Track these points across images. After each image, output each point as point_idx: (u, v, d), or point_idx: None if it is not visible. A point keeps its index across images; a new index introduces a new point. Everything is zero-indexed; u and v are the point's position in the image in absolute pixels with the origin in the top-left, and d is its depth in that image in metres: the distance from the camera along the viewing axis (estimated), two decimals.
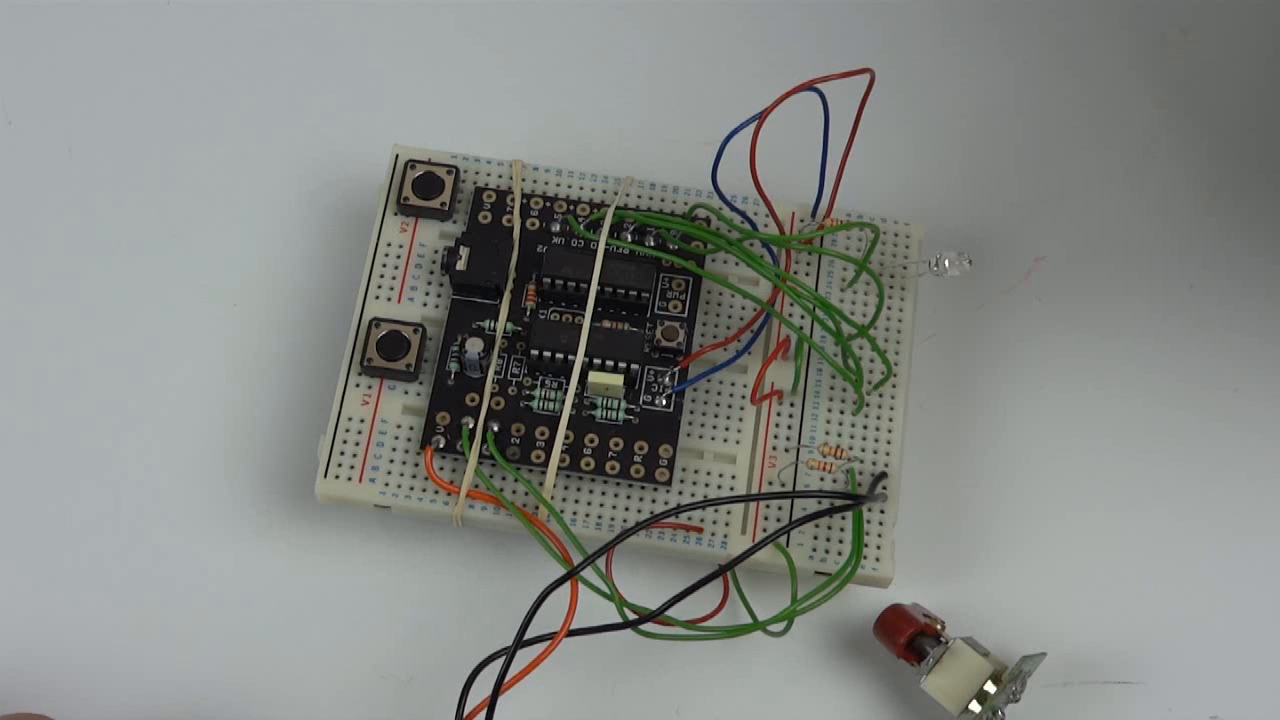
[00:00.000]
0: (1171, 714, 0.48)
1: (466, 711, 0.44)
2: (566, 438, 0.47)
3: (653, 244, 0.50)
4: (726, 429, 0.48)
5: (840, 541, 0.47)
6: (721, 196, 0.48)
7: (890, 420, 0.49)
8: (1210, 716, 0.48)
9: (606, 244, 0.49)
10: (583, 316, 0.48)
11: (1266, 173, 0.55)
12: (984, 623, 0.49)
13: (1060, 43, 0.57)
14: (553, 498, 0.47)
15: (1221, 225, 0.54)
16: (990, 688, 0.46)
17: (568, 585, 0.44)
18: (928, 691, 0.46)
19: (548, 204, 0.50)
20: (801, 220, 0.51)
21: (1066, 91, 0.56)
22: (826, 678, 0.48)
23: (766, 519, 0.47)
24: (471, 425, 0.47)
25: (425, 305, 0.49)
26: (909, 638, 0.47)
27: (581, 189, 0.51)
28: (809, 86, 0.45)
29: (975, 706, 0.46)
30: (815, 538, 0.47)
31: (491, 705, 0.44)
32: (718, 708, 0.48)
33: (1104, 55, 0.57)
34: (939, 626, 0.47)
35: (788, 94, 0.44)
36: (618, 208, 0.50)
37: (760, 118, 0.44)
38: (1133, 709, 0.48)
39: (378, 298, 0.49)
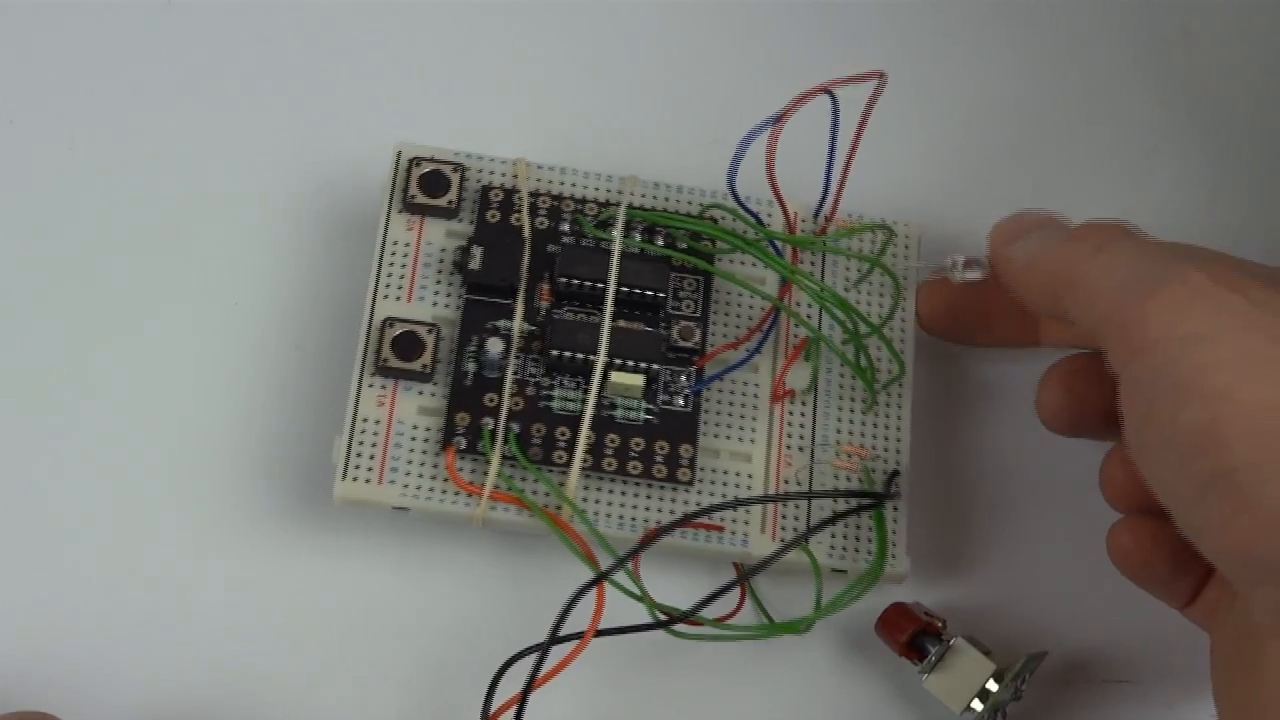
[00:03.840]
0: (1172, 713, 0.49)
1: (492, 710, 0.44)
2: (588, 438, 0.48)
3: (662, 243, 0.50)
4: (741, 428, 0.49)
5: (856, 539, 0.48)
6: (737, 199, 0.48)
7: (899, 419, 0.49)
8: (1211, 716, 0.49)
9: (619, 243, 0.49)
10: (597, 315, 0.48)
11: (1268, 173, 0.56)
12: (985, 621, 0.49)
13: (1063, 44, 0.57)
14: (574, 498, 0.47)
15: (1223, 225, 0.55)
16: (992, 685, 0.46)
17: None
18: (929, 690, 0.47)
19: (555, 203, 0.50)
20: (803, 220, 0.51)
21: (1069, 92, 0.57)
22: (830, 675, 0.49)
23: (785, 517, 0.48)
24: (492, 426, 0.47)
25: (435, 305, 0.49)
26: (910, 636, 0.47)
27: (586, 187, 0.51)
28: (825, 90, 0.45)
29: (977, 705, 0.46)
30: (833, 535, 0.48)
31: (522, 702, 0.44)
32: (720, 705, 0.49)
33: (1107, 56, 0.57)
34: (940, 625, 0.48)
35: (804, 97, 0.44)
36: (630, 207, 0.50)
37: (779, 121, 0.44)
38: (1133, 708, 0.49)
39: (387, 297, 0.49)
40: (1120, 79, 0.57)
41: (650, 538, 0.45)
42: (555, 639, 0.44)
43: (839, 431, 0.49)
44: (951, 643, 0.47)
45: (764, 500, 0.47)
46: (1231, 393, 0.38)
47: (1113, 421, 0.42)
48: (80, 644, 0.48)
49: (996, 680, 0.46)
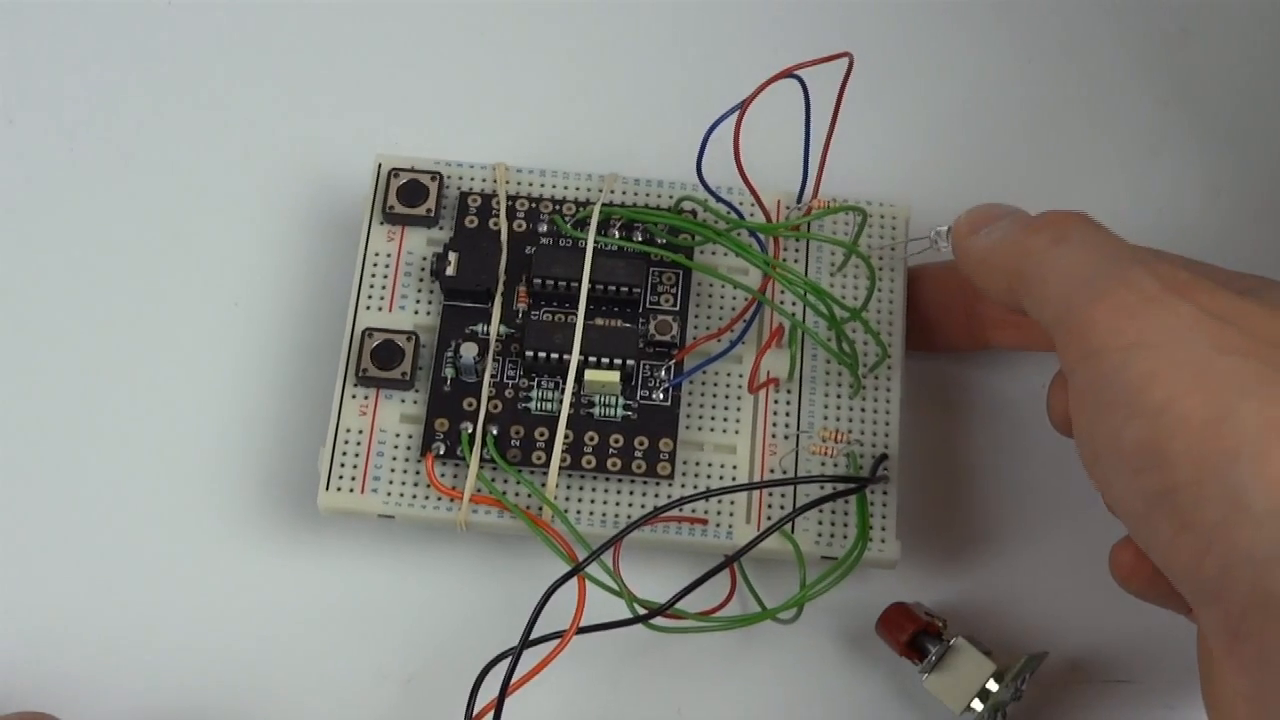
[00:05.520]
0: (1171, 713, 0.48)
1: (475, 711, 0.44)
2: (566, 437, 0.47)
3: (640, 239, 0.50)
4: (725, 419, 0.48)
5: (845, 526, 0.47)
6: (707, 188, 0.48)
7: (888, 402, 0.49)
8: None
9: (595, 241, 0.49)
10: (575, 315, 0.48)
11: (1268, 173, 0.55)
12: (985, 621, 0.49)
13: (1063, 43, 0.57)
14: (555, 498, 0.47)
15: (1223, 226, 0.54)
16: (992, 685, 0.46)
17: (576, 584, 0.44)
18: (929, 690, 0.46)
19: (533, 205, 0.50)
20: (788, 208, 0.51)
21: (1069, 91, 0.56)
22: (829, 675, 0.48)
23: (770, 507, 0.47)
24: (471, 430, 0.47)
25: (417, 313, 0.49)
26: (911, 636, 0.47)
27: (566, 188, 0.51)
28: (789, 74, 0.45)
29: (977, 705, 0.46)
30: (820, 523, 0.47)
31: (499, 706, 0.43)
32: (719, 704, 0.48)
33: (1106, 54, 0.57)
34: (940, 625, 0.47)
35: (768, 82, 0.44)
36: (604, 204, 0.50)
37: (742, 107, 0.44)
38: (1132, 708, 0.48)
39: (369, 308, 0.49)
40: (1120, 79, 0.56)
41: (623, 532, 0.45)
42: (528, 642, 0.44)
43: (825, 418, 0.48)
44: (952, 643, 0.46)
45: (737, 489, 0.47)
46: (1173, 406, 0.37)
47: None
48: (77, 646, 0.48)
49: (996, 680, 0.46)
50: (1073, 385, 0.40)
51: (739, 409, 0.48)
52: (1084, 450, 0.40)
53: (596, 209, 0.49)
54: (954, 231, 0.46)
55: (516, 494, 0.47)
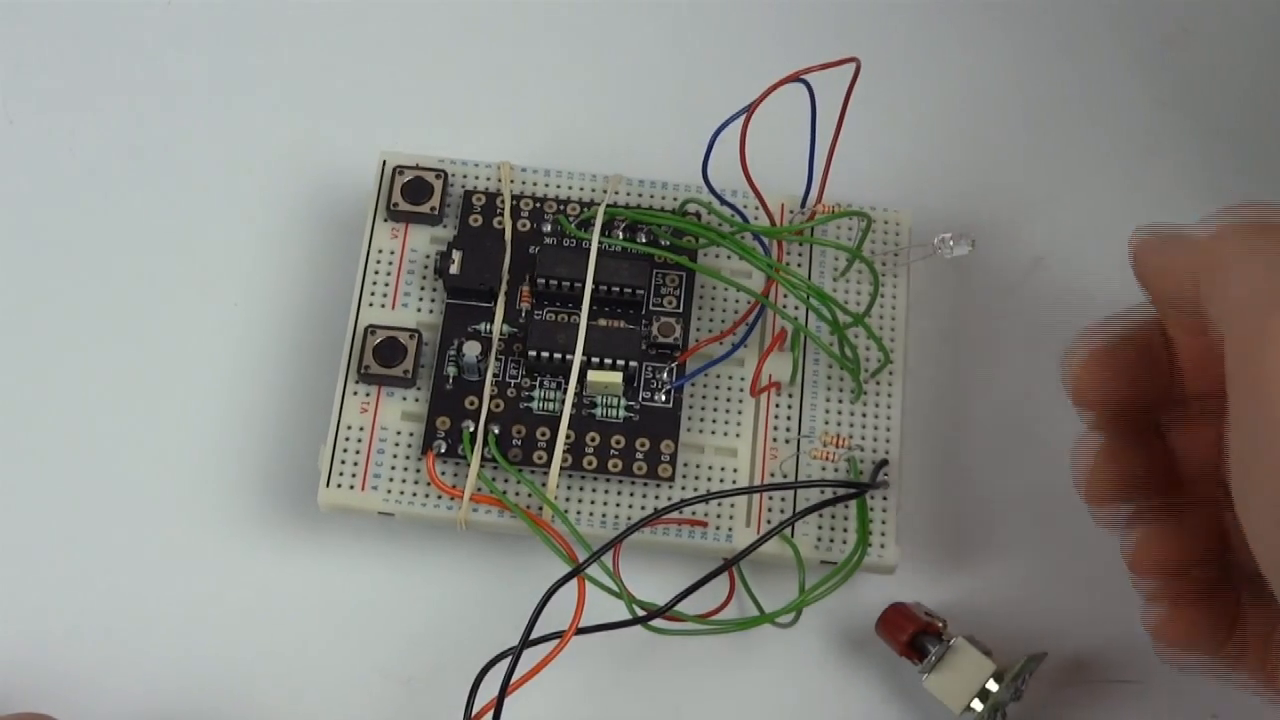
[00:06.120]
0: (1172, 713, 0.48)
1: (475, 711, 0.44)
2: (568, 437, 0.47)
3: (644, 240, 0.50)
4: (726, 422, 0.48)
5: (845, 530, 0.47)
6: (712, 190, 0.48)
7: (889, 408, 0.49)
8: (1210, 716, 0.48)
9: (599, 242, 0.49)
10: (578, 316, 0.48)
11: (1267, 173, 0.55)
12: (985, 621, 0.49)
13: (1061, 42, 0.57)
14: (556, 498, 0.47)
15: None
16: (992, 685, 0.46)
17: (575, 585, 0.44)
18: (929, 690, 0.46)
19: (538, 204, 0.50)
20: (791, 211, 0.51)
21: (1067, 90, 0.56)
22: (831, 675, 0.48)
23: (770, 511, 0.47)
24: (472, 429, 0.47)
25: (419, 310, 0.49)
26: (911, 636, 0.47)
27: (570, 188, 0.51)
28: (796, 78, 0.45)
29: (977, 705, 0.46)
30: (820, 528, 0.47)
31: (499, 705, 0.44)
32: (718, 705, 0.48)
33: (1104, 54, 0.57)
34: (940, 625, 0.47)
35: (775, 86, 0.44)
36: (608, 205, 0.50)
37: (749, 110, 0.44)
38: (1133, 708, 0.48)
39: (371, 305, 0.49)
40: (1119, 78, 0.56)
41: (624, 534, 0.45)
42: (528, 642, 0.44)
43: (826, 423, 0.49)
44: (951, 643, 0.46)
45: (738, 493, 0.47)
46: None
47: (1149, 406, 0.40)
48: (77, 646, 0.48)
49: (996, 680, 0.46)
50: (1234, 402, 0.36)
51: (740, 412, 0.49)
52: (1234, 482, 0.36)
53: (601, 210, 0.49)
54: (1136, 236, 0.42)
55: (517, 493, 0.47)
